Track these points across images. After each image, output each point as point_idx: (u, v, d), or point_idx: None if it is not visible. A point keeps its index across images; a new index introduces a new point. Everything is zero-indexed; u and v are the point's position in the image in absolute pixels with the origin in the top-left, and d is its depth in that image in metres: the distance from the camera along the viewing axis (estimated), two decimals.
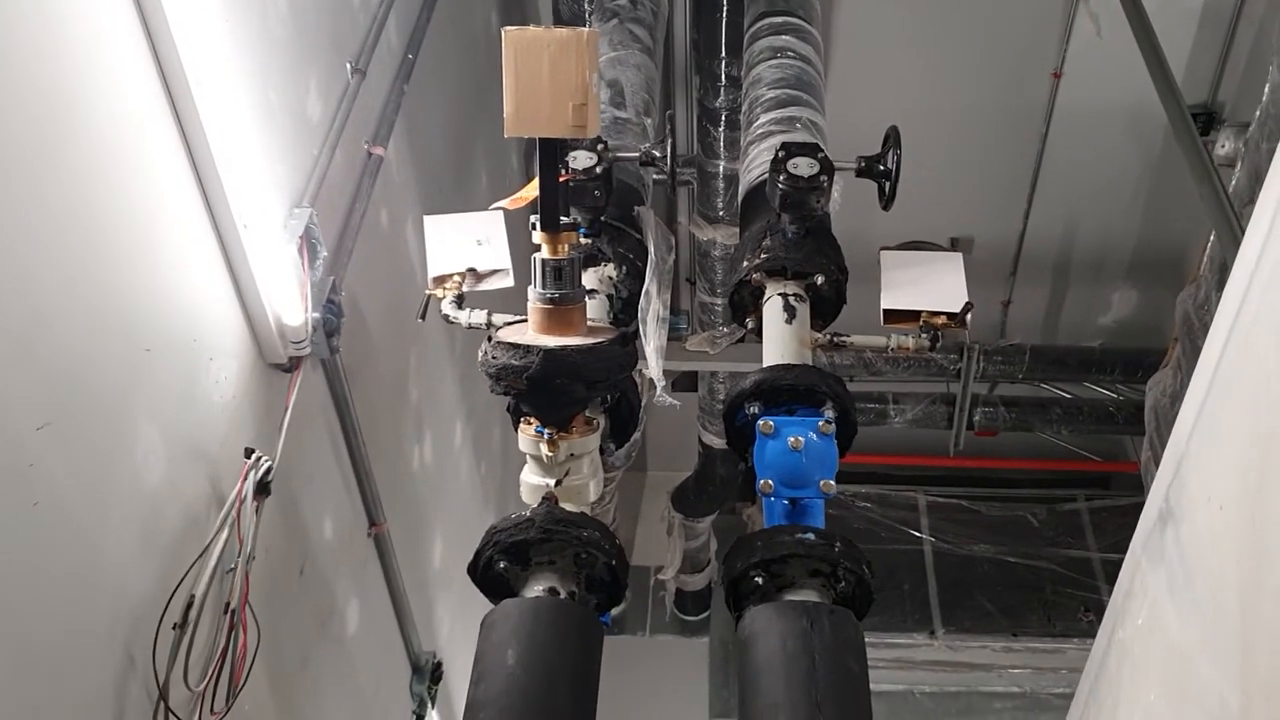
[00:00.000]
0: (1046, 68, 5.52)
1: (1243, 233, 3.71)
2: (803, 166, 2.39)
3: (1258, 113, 3.98)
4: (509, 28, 1.74)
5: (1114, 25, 5.00)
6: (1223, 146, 4.55)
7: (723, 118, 4.74)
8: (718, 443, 5.99)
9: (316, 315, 2.37)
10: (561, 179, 1.94)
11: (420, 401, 3.53)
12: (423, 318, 2.47)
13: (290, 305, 2.26)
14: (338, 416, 2.69)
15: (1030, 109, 5.67)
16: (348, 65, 2.71)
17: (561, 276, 1.98)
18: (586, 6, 4.29)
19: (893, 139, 2.48)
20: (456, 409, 4.02)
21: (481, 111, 4.25)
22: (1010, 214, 6.08)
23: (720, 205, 5.05)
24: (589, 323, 2.06)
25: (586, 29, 1.80)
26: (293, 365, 2.33)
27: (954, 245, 6.22)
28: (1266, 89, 3.86)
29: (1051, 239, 6.23)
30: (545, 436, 2.00)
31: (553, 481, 2.01)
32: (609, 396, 2.14)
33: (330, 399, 2.65)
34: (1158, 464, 4.76)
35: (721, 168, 4.91)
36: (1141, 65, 4.54)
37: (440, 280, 2.47)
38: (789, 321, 2.39)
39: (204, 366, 2.02)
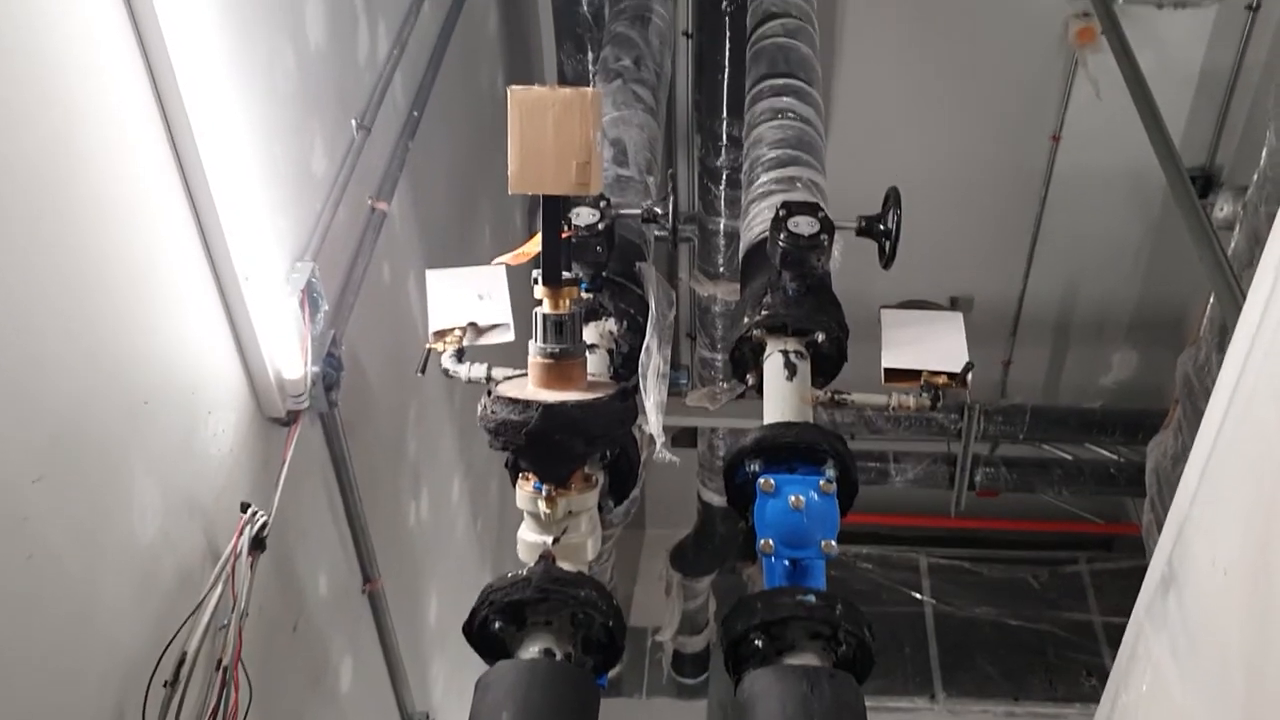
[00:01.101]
0: (1045, 130, 5.58)
1: (1243, 296, 3.72)
2: (803, 225, 2.40)
3: (1255, 176, 4.01)
4: (515, 86, 1.75)
5: (1112, 89, 5.06)
6: (1221, 209, 4.58)
7: (723, 176, 4.78)
8: (717, 500, 5.96)
9: (316, 369, 2.36)
10: (564, 235, 1.94)
11: (418, 456, 3.51)
12: (422, 372, 2.46)
13: (290, 359, 2.25)
14: (334, 471, 2.68)
15: (1029, 170, 5.72)
16: (353, 122, 2.73)
17: (562, 331, 1.97)
18: (590, 67, 4.35)
19: (893, 199, 2.49)
20: (454, 464, 4.00)
21: (486, 167, 4.28)
22: (1010, 274, 6.11)
23: (721, 261, 5.07)
24: (589, 377, 2.05)
25: (591, 89, 1.81)
26: (291, 419, 2.32)
27: (954, 304, 6.25)
28: (1264, 153, 3.89)
29: (1051, 299, 6.25)
30: (543, 493, 1.98)
31: (550, 539, 1.99)
32: (608, 452, 2.13)
33: (327, 453, 2.63)
34: (1160, 527, 4.72)
35: (722, 225, 4.94)
36: (1139, 128, 4.59)
37: (441, 334, 2.47)
38: (790, 378, 2.38)
39: (202, 419, 2.01)
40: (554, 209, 1.91)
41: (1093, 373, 6.55)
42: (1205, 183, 5.54)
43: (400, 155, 3.03)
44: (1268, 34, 5.12)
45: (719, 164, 4.72)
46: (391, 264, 3.14)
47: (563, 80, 4.56)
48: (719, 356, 5.37)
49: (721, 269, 5.07)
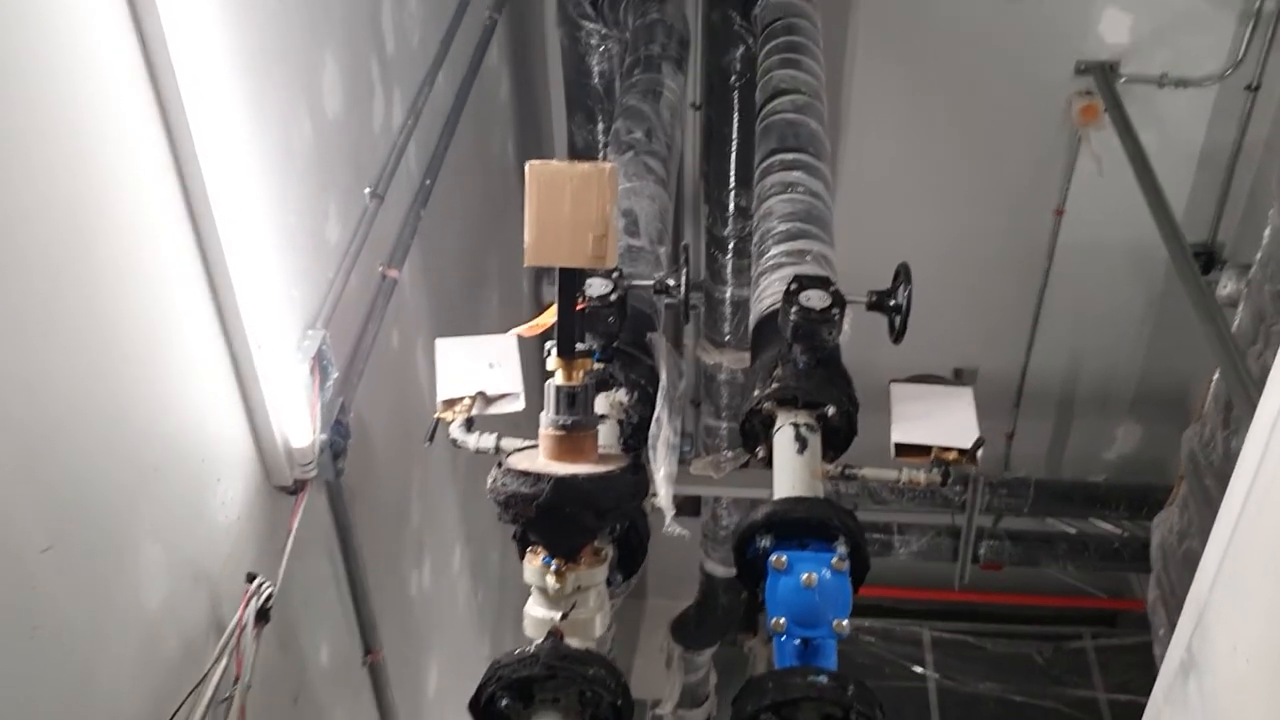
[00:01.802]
0: (1049, 205, 5.62)
1: (1248, 374, 3.72)
2: (815, 299, 2.40)
3: (1259, 255, 4.03)
4: (533, 161, 1.77)
5: (1115, 165, 5.12)
6: (1225, 287, 4.61)
7: (730, 245, 4.82)
8: (720, 571, 5.91)
9: (324, 437, 2.35)
10: (578, 307, 1.94)
11: (421, 524, 3.49)
12: (430, 441, 2.45)
13: (299, 427, 2.25)
14: (339, 540, 2.65)
15: (1033, 244, 5.76)
16: (367, 190, 2.75)
17: (575, 403, 1.96)
18: (600, 137, 4.39)
19: (903, 275, 2.50)
20: (456, 532, 3.97)
21: (495, 234, 4.30)
22: (1013, 346, 6.12)
23: (727, 329, 5.10)
24: (600, 449, 2.04)
25: (607, 164, 1.83)
26: (298, 488, 2.30)
27: (958, 376, 6.24)
28: (1267, 233, 3.91)
29: (1054, 372, 6.26)
30: (552, 567, 1.96)
31: (558, 615, 1.96)
32: (618, 526, 2.11)
33: (332, 522, 2.61)
34: (1165, 603, 4.67)
35: (729, 293, 4.97)
36: (1142, 203, 4.64)
37: (449, 404, 2.46)
38: (800, 452, 2.37)
39: (211, 487, 2.00)
40: (569, 282, 1.92)
41: (1096, 446, 6.53)
42: (1208, 259, 5.57)
43: (412, 223, 3.05)
44: (1268, 113, 5.18)
45: (726, 233, 4.76)
46: (401, 330, 3.14)
47: (572, 148, 4.60)
48: (724, 424, 5.36)
49: (728, 337, 5.08)
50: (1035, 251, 5.78)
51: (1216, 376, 4.21)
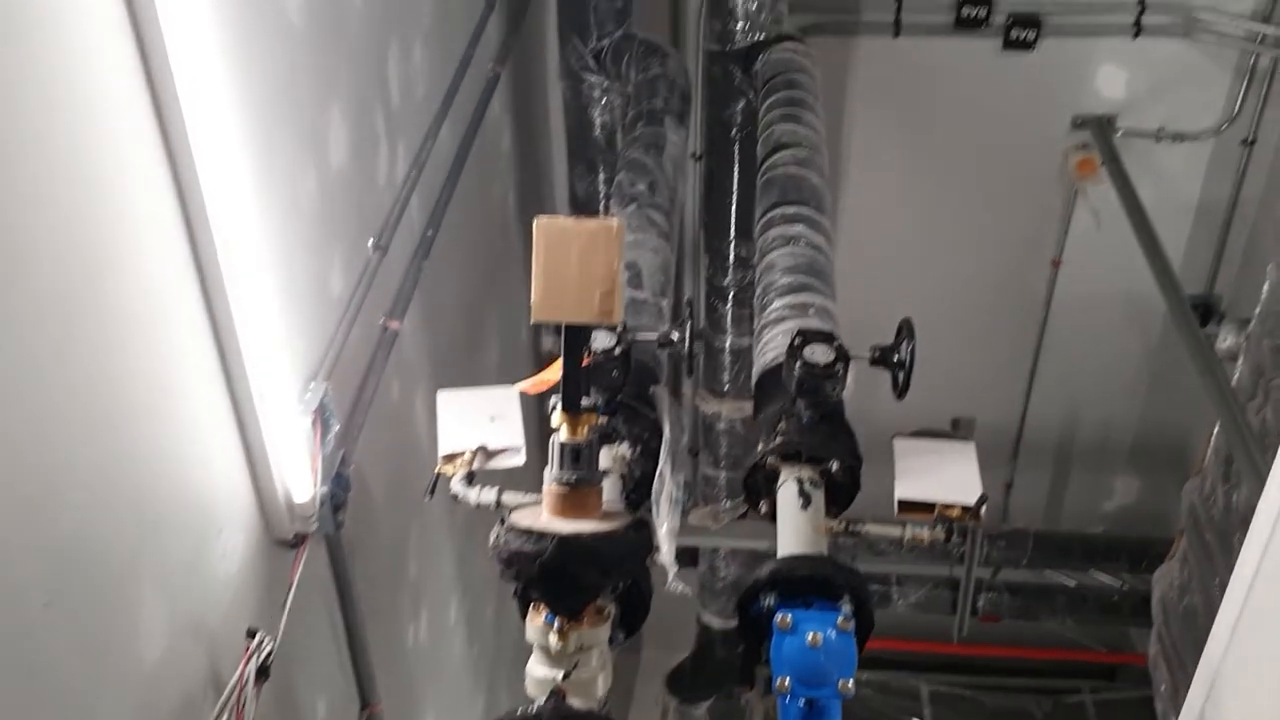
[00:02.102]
0: (1046, 256, 5.65)
1: (1248, 428, 3.70)
2: (819, 354, 2.40)
3: (1258, 309, 4.04)
4: (540, 217, 1.77)
5: (1112, 217, 5.15)
6: (1224, 341, 4.60)
7: (730, 295, 4.83)
8: (717, 623, 5.87)
9: (325, 490, 2.34)
10: (584, 362, 1.94)
11: (419, 576, 3.46)
12: (430, 495, 2.43)
13: (300, 480, 2.23)
14: (338, 594, 2.63)
15: (1030, 294, 5.78)
16: (370, 242, 2.75)
17: (580, 459, 1.96)
18: (601, 188, 4.41)
19: (906, 331, 2.51)
20: (453, 585, 3.94)
21: (495, 284, 4.31)
22: (1011, 397, 6.12)
23: (726, 379, 5.10)
24: (603, 506, 2.03)
25: (615, 221, 1.83)
26: (298, 541, 2.29)
27: (955, 425, 6.23)
28: (1265, 288, 3.92)
29: (1052, 422, 6.26)
30: (555, 626, 1.94)
31: (560, 674, 1.94)
32: (620, 584, 2.09)
33: (331, 575, 2.59)
34: (1166, 659, 4.61)
35: (729, 342, 4.98)
36: (1138, 255, 4.66)
37: (450, 458, 2.45)
38: (804, 508, 2.36)
39: (212, 540, 1.98)
40: (575, 338, 1.92)
41: (1095, 498, 6.51)
42: (1205, 311, 5.57)
43: (414, 274, 3.04)
44: (1263, 168, 5.22)
45: (726, 282, 4.78)
46: (401, 382, 3.13)
47: (574, 199, 4.63)
48: (722, 474, 5.35)
49: (727, 386, 5.08)
50: (1033, 302, 5.80)
51: (1216, 430, 4.20)
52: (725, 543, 5.45)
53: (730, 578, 5.83)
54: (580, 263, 1.82)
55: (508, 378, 4.65)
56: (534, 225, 1.79)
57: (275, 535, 2.23)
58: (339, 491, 2.40)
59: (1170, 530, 5.35)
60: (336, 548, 2.55)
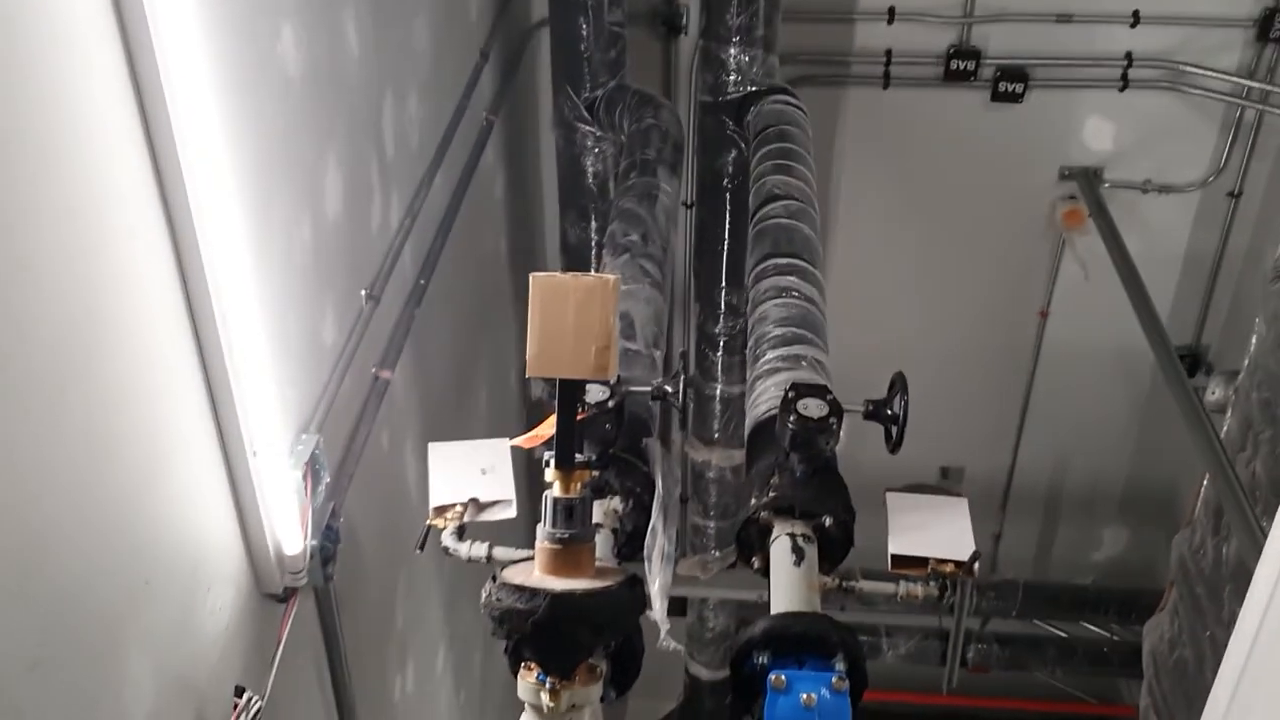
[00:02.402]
0: (1034, 306, 5.68)
1: (1238, 480, 3.70)
2: (813, 408, 2.40)
3: (1246, 362, 4.05)
4: (536, 274, 1.77)
5: (1099, 268, 5.19)
6: (1213, 393, 4.62)
7: (721, 343, 4.84)
8: (704, 674, 5.82)
9: (315, 543, 2.31)
10: (579, 417, 1.93)
11: (405, 628, 3.42)
12: (421, 549, 2.41)
13: (291, 534, 2.21)
14: (326, 648, 2.59)
15: (1019, 345, 5.80)
16: (362, 292, 2.74)
17: (573, 516, 1.94)
18: (594, 235, 4.43)
19: (899, 385, 2.51)
20: (440, 635, 3.90)
21: (485, 332, 4.30)
22: (1000, 447, 6.12)
23: (716, 427, 5.08)
24: (596, 563, 2.01)
25: (611, 276, 1.83)
26: (288, 595, 2.26)
27: (944, 475, 6.25)
28: (1254, 340, 3.94)
29: (1041, 473, 6.25)
30: (546, 685, 1.92)
31: None
32: (612, 641, 2.07)
33: (320, 630, 2.56)
34: (1157, 711, 4.58)
35: (719, 390, 4.97)
36: (1125, 307, 4.69)
37: (441, 510, 2.43)
38: (797, 564, 2.34)
39: (202, 597, 1.95)
40: (570, 392, 1.91)
41: (1084, 548, 6.50)
42: (1193, 362, 5.62)
43: (406, 323, 3.04)
44: (1249, 220, 5.27)
45: (717, 331, 4.78)
46: (391, 432, 3.11)
47: (565, 246, 4.63)
48: (712, 523, 5.33)
49: (717, 434, 5.07)
50: (1021, 353, 5.82)
51: (1206, 482, 4.21)
52: (714, 593, 5.42)
53: (718, 628, 5.79)
54: (576, 318, 1.82)
55: (497, 426, 4.65)
56: (530, 281, 1.79)
57: (264, 590, 2.21)
58: (329, 544, 2.37)
59: (1159, 581, 5.34)
60: (325, 601, 2.52)
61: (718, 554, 5.22)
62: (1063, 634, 6.17)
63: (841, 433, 2.52)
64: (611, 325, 1.83)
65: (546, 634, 1.88)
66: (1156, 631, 4.70)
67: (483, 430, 4.26)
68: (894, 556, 2.44)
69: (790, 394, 2.42)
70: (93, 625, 1.63)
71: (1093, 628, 6.10)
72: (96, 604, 1.64)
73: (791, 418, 2.38)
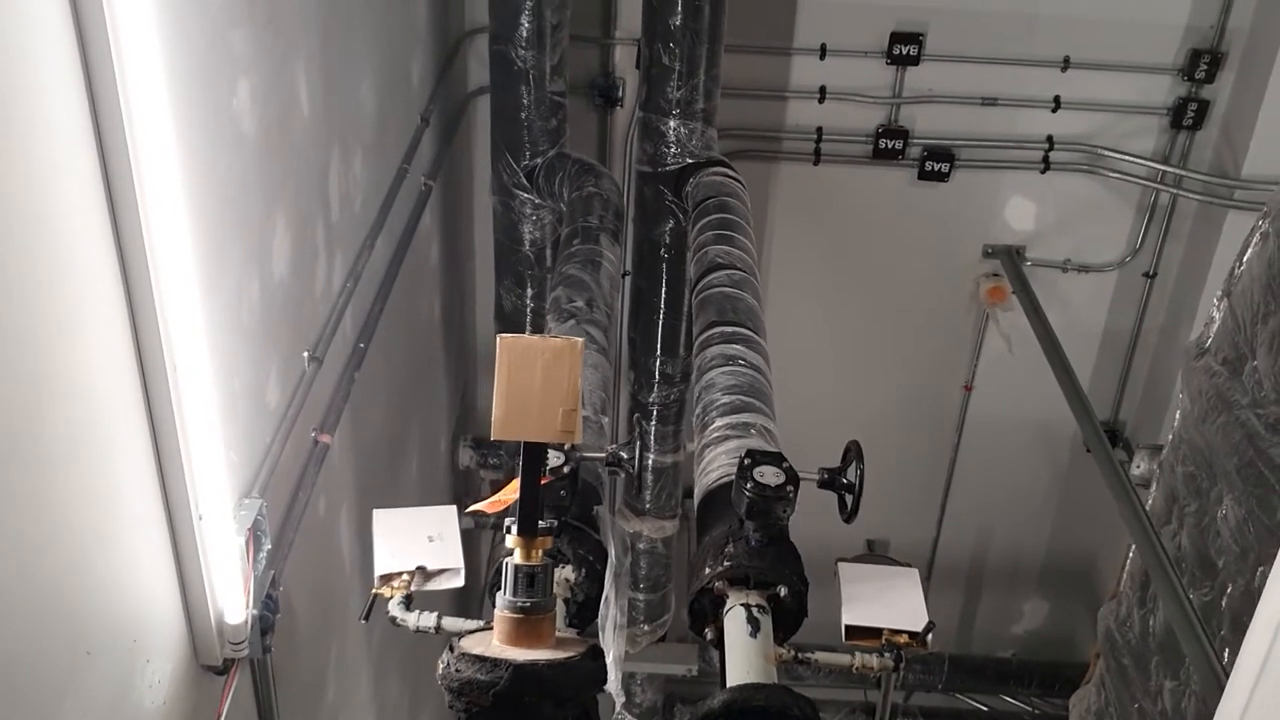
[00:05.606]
0: (959, 380, 5.77)
1: (1164, 551, 3.76)
2: (769, 475, 2.38)
3: (1170, 436, 4.16)
4: (504, 335, 1.75)
5: (1023, 342, 5.31)
6: (1138, 467, 4.73)
7: (655, 412, 4.82)
8: None
9: (255, 612, 2.22)
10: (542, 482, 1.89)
11: (336, 700, 3.29)
12: (366, 619, 2.33)
13: (233, 603, 2.11)
14: None
15: (943, 418, 5.89)
16: (305, 354, 2.68)
17: (534, 584, 1.89)
18: (530, 303, 4.40)
19: (854, 453, 2.51)
20: (368, 707, 3.77)
21: (417, 396, 4.23)
22: (924, 520, 6.18)
23: (648, 498, 5.04)
24: (556, 633, 1.96)
25: (578, 339, 1.80)
26: (227, 667, 2.16)
27: (870, 547, 6.27)
28: (1177, 416, 4.05)
29: (964, 545, 6.32)
30: None
31: None
32: (572, 714, 2.01)
33: (254, 704, 2.45)
34: None
35: (651, 460, 4.94)
36: (1047, 381, 4.80)
37: (387, 579, 2.35)
38: (753, 635, 2.31)
39: (140, 669, 1.85)
40: (534, 457, 1.86)
41: (1005, 620, 6.57)
42: (1110, 437, 5.75)
43: (345, 386, 2.97)
44: (1163, 300, 5.44)
45: (651, 400, 4.77)
46: (328, 497, 3.02)
47: (499, 312, 4.60)
48: (642, 596, 5.26)
49: (649, 505, 5.03)
50: (945, 425, 5.91)
51: (1132, 554, 4.28)
52: (643, 667, 5.34)
53: (645, 703, 5.70)
54: (544, 380, 1.79)
55: (427, 493, 4.55)
56: (498, 342, 1.75)
57: (203, 661, 2.10)
58: (268, 614, 2.28)
59: (1079, 654, 5.40)
60: (262, 674, 2.42)
61: (646, 627, 5.17)
62: (985, 708, 6.20)
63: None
64: (578, 387, 1.80)
65: (508, 706, 1.81)
66: (1083, 703, 4.74)
67: (414, 497, 4.17)
68: (848, 627, 2.43)
69: (746, 461, 2.41)
70: (31, 699, 1.53)
71: (1015, 701, 6.14)
72: (36, 676, 1.54)
73: (749, 485, 2.36)
